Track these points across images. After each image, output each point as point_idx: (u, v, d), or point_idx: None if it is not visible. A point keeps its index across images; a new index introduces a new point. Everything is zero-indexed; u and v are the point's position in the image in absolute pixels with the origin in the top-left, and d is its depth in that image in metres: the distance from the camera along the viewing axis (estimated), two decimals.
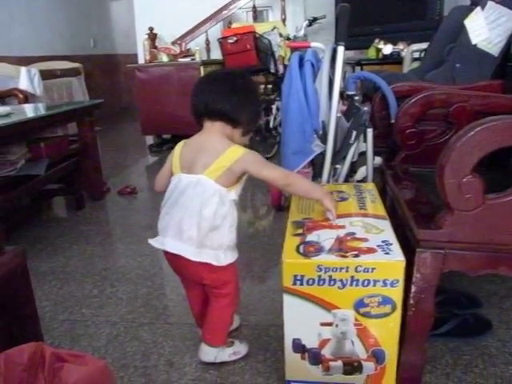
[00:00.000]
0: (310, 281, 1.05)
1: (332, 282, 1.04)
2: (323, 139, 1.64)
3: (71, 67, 4.80)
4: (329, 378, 1.13)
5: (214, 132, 1.25)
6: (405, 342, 1.14)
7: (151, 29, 4.69)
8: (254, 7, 4.90)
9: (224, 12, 4.90)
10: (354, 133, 1.63)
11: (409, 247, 1.11)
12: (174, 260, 1.29)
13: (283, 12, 4.85)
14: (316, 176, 1.70)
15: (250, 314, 1.62)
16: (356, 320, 1.07)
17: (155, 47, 4.72)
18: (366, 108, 1.63)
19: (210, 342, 1.38)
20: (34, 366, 0.88)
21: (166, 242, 1.27)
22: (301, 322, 1.10)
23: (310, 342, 1.11)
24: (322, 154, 1.66)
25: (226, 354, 1.39)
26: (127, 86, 7.50)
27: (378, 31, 3.50)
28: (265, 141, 4.00)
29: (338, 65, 1.59)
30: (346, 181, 1.71)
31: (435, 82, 1.98)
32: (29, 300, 1.13)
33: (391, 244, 1.08)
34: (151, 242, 1.32)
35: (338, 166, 1.69)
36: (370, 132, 1.65)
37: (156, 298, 1.81)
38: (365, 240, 1.10)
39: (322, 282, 1.05)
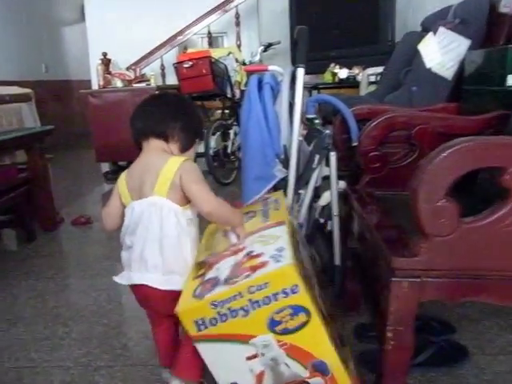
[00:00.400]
0: (213, 320, 0.98)
1: (234, 314, 0.97)
2: (285, 164, 1.59)
3: (21, 92, 4.60)
4: None
5: (151, 150, 1.21)
6: (384, 378, 1.08)
7: (105, 54, 4.59)
8: (209, 33, 4.91)
9: (179, 37, 4.88)
10: (317, 157, 1.59)
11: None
12: (141, 292, 1.20)
13: (238, 38, 4.87)
14: None
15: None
16: (278, 341, 0.99)
17: (109, 73, 4.62)
18: (327, 131, 1.60)
19: (180, 376, 1.22)
20: None
21: (132, 275, 1.18)
22: (226, 365, 1.03)
23: (247, 382, 1.03)
24: (285, 180, 1.61)
25: None
26: (81, 113, 7.30)
27: (334, 56, 3.54)
28: (223, 166, 3.95)
29: (298, 87, 1.56)
30: (311, 207, 1.66)
31: (393, 105, 1.99)
32: None
33: (283, 249, 1.01)
34: (116, 279, 1.23)
35: (301, 191, 1.64)
36: (333, 155, 1.61)
37: (113, 336, 1.68)
38: (260, 255, 1.03)
39: (224, 318, 0.97)
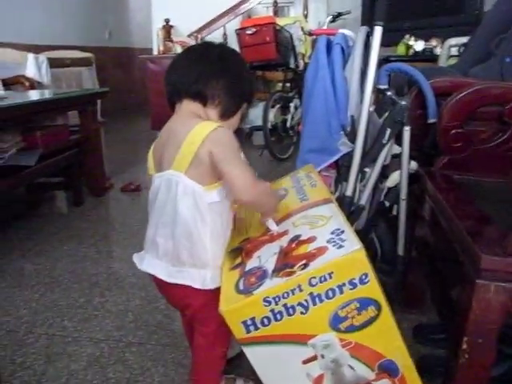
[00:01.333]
0: (265, 320, 0.80)
1: (291, 311, 0.79)
2: (351, 137, 1.39)
3: (82, 57, 4.61)
4: None
5: (181, 114, 0.99)
6: None
7: (167, 20, 4.50)
8: (276, 2, 4.68)
9: (243, 6, 4.68)
10: (389, 131, 1.37)
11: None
12: (155, 280, 1.04)
13: (305, 8, 4.61)
14: (341, 179, 1.45)
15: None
16: (341, 340, 0.82)
17: (170, 40, 4.53)
18: (404, 102, 1.38)
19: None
20: None
21: (143, 259, 1.06)
22: (279, 370, 0.85)
23: None
24: (349, 155, 1.41)
25: None
26: (141, 81, 7.32)
27: (409, 26, 3.23)
28: (281, 141, 3.77)
29: (373, 49, 1.34)
30: (376, 187, 1.46)
31: (480, 78, 1.72)
32: None
33: (343, 232, 0.83)
34: (134, 257, 1.11)
35: (366, 169, 1.43)
36: (407, 131, 1.39)
37: (149, 312, 1.57)
38: (311, 240, 0.84)
39: (279, 316, 0.80)
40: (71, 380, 1.25)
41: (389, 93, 1.53)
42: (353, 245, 0.78)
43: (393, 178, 1.47)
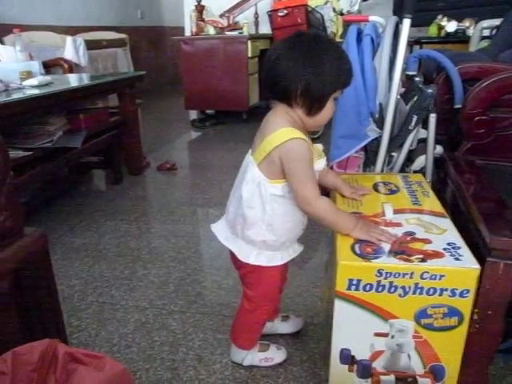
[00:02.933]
0: (368, 286, 0.91)
1: (393, 289, 0.90)
2: (379, 123, 1.47)
3: (117, 38, 4.74)
4: None
5: (275, 109, 1.07)
6: (465, 363, 0.99)
7: (199, 0, 4.54)
8: None
9: None
10: (415, 117, 1.45)
11: (474, 252, 0.95)
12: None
13: None
14: (369, 164, 1.53)
15: (287, 309, 1.49)
16: (416, 332, 0.93)
17: (202, 19, 4.58)
18: (430, 90, 1.44)
19: (234, 342, 1.28)
20: (45, 366, 0.78)
21: (219, 230, 1.21)
22: (352, 331, 0.97)
23: (361, 354, 0.98)
24: (377, 140, 1.49)
25: (255, 358, 1.28)
26: (173, 60, 7.41)
27: (441, 6, 3.21)
28: None
29: (402, 40, 1.41)
30: (402, 170, 1.54)
31: (509, 63, 1.75)
32: (49, 288, 1.04)
33: (459, 248, 0.93)
34: (212, 227, 1.25)
35: (393, 153, 1.51)
36: (433, 117, 1.46)
37: (189, 283, 1.71)
38: (427, 241, 0.95)
39: (380, 289, 0.91)
40: (121, 342, 1.40)
41: (417, 79, 1.60)
42: (472, 263, 0.89)
43: (419, 162, 1.55)
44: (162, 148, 3.79)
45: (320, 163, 1.10)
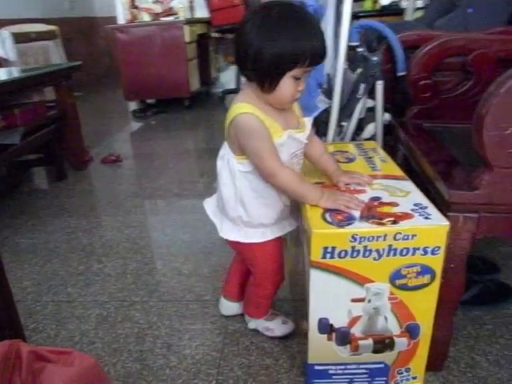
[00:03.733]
0: (343, 253, 0.90)
1: (367, 253, 0.90)
2: (328, 94, 1.47)
3: (47, 29, 4.50)
4: (356, 358, 1.01)
5: (243, 87, 1.05)
6: None
7: None
8: None
9: None
10: (363, 86, 1.46)
11: None
12: None
13: None
14: (320, 135, 1.54)
15: None
16: (391, 293, 0.94)
17: (135, 7, 4.44)
18: (376, 58, 1.46)
19: (247, 312, 1.31)
20: (7, 368, 0.72)
21: (208, 207, 1.23)
22: (329, 299, 0.96)
23: (339, 321, 0.98)
24: (327, 111, 1.50)
25: (260, 325, 1.29)
26: (107, 51, 7.16)
27: None
28: None
29: (345, 9, 1.41)
30: (353, 139, 1.55)
31: (446, 30, 1.80)
32: (2, 289, 0.97)
33: (426, 207, 0.94)
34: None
35: (343, 123, 1.52)
36: (380, 85, 1.48)
37: (147, 273, 1.66)
38: (394, 204, 0.96)
39: (355, 254, 0.90)
40: (84, 339, 1.34)
41: (360, 49, 1.61)
42: (441, 220, 0.90)
43: (368, 130, 1.57)
44: (104, 141, 3.65)
45: (298, 136, 1.05)
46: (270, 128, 0.98)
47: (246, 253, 1.18)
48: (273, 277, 1.19)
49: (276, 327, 1.28)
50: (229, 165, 1.04)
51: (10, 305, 1.01)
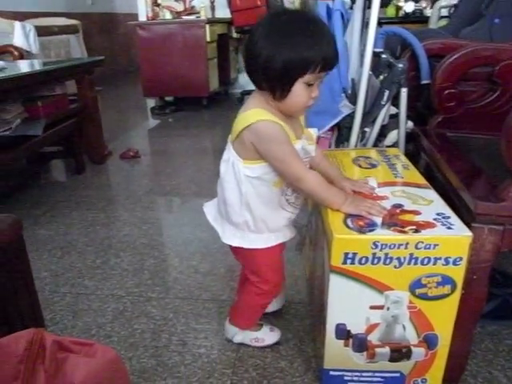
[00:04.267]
0: (363, 259, 0.91)
1: (388, 261, 0.90)
2: (352, 99, 1.47)
3: (69, 24, 4.55)
4: (372, 365, 1.01)
5: (253, 93, 1.03)
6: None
7: None
8: None
9: None
10: (387, 92, 1.46)
11: None
12: None
13: None
14: (342, 140, 1.54)
15: None
16: (410, 302, 0.94)
17: (157, 4, 4.47)
18: (401, 65, 1.46)
19: (229, 318, 1.27)
20: (32, 357, 0.74)
21: (207, 209, 1.22)
22: (348, 305, 0.96)
23: (357, 328, 0.98)
24: (350, 116, 1.50)
25: (247, 337, 1.26)
26: (126, 47, 7.22)
27: None
28: None
29: (372, 16, 1.41)
30: (375, 146, 1.55)
31: (471, 40, 1.80)
32: (25, 276, 0.99)
33: (449, 217, 0.94)
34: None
35: (366, 129, 1.52)
36: (404, 92, 1.48)
37: (164, 269, 1.67)
38: (417, 213, 0.96)
39: (376, 261, 0.91)
40: (100, 332, 1.35)
41: (384, 56, 1.61)
42: (464, 231, 0.90)
43: (391, 137, 1.57)
44: (123, 136, 3.68)
45: (309, 148, 1.05)
46: (288, 134, 0.98)
47: (248, 259, 1.15)
48: (275, 285, 1.17)
49: (265, 336, 1.26)
50: (234, 169, 1.02)
51: (33, 296, 1.03)
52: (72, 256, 1.79)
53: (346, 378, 1.04)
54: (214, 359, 1.23)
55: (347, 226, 0.93)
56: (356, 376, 1.04)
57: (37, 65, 2.58)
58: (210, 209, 1.18)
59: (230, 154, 1.03)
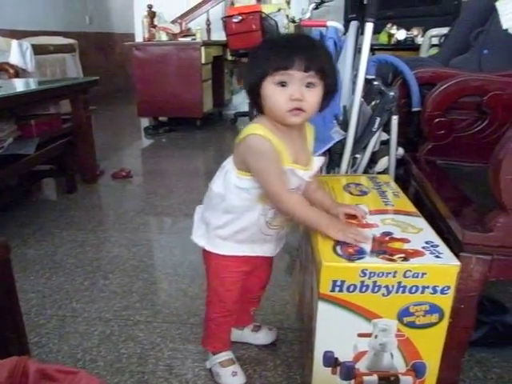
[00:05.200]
0: (352, 287, 0.91)
1: (376, 289, 0.90)
2: (343, 126, 1.49)
3: (65, 43, 4.59)
4: None
5: None
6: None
7: (150, 6, 4.48)
8: None
9: None
10: (378, 119, 1.48)
11: None
12: None
13: None
14: (333, 166, 1.55)
15: (255, 314, 1.47)
16: (398, 330, 0.94)
17: (154, 26, 4.52)
18: (392, 93, 1.48)
19: (202, 344, 1.28)
20: None
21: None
22: (336, 333, 0.96)
23: (344, 355, 0.97)
24: (341, 142, 1.51)
25: (212, 363, 1.24)
26: (123, 67, 7.27)
27: (391, 15, 3.33)
28: None
29: (365, 43, 1.44)
30: (366, 172, 1.57)
31: (461, 69, 1.83)
32: (11, 300, 0.98)
33: (437, 246, 0.94)
34: None
35: (357, 155, 1.54)
36: (395, 119, 1.50)
37: (153, 292, 1.66)
38: (406, 241, 0.96)
39: (364, 289, 0.91)
40: (86, 356, 1.33)
41: (376, 83, 1.63)
42: (452, 260, 0.90)
43: (382, 163, 1.58)
44: (116, 156, 3.69)
45: (304, 173, 1.04)
46: (280, 153, 0.97)
47: (206, 263, 1.16)
48: (221, 301, 1.16)
49: (224, 377, 1.20)
50: (226, 176, 1.04)
51: (18, 322, 1.02)
52: (60, 277, 1.77)
53: None
54: None
55: (336, 254, 0.93)
56: None
57: (31, 84, 2.59)
58: (200, 210, 1.17)
59: (227, 162, 1.05)
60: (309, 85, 0.93)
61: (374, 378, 0.99)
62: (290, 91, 0.92)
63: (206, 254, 1.13)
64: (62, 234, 2.16)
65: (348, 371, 0.98)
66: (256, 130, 0.97)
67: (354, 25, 1.50)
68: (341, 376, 0.99)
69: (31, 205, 2.59)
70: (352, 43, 1.47)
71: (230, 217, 1.05)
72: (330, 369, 0.99)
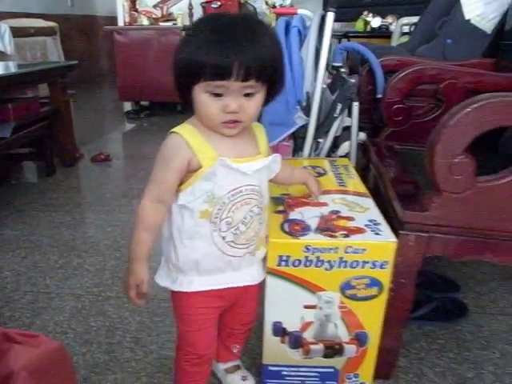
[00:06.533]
0: (296, 262, 0.98)
1: (319, 264, 0.98)
2: (306, 111, 1.55)
3: (46, 26, 4.57)
4: (308, 361, 1.08)
5: None
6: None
7: None
8: None
9: None
10: (340, 106, 1.54)
11: (392, 228, 1.05)
12: None
13: None
14: (297, 150, 1.61)
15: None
16: (341, 302, 1.01)
17: (135, 10, 4.52)
18: (353, 80, 1.54)
19: None
20: None
21: None
22: (283, 304, 1.03)
23: (292, 326, 1.05)
24: (304, 127, 1.57)
25: None
26: (106, 50, 7.23)
27: (367, 3, 3.39)
28: None
29: (326, 32, 1.49)
30: (328, 156, 1.63)
31: (425, 58, 1.90)
32: None
33: (379, 224, 1.02)
34: None
35: (320, 140, 1.60)
36: (356, 106, 1.56)
37: (125, 270, 1.72)
38: (351, 219, 1.03)
39: (308, 264, 0.98)
40: (57, 328, 1.40)
41: (342, 70, 1.69)
42: (390, 237, 0.98)
43: (343, 148, 1.64)
44: (96, 140, 3.71)
45: (248, 165, 0.87)
46: (198, 154, 0.84)
47: (172, 303, 1.01)
48: (190, 345, 1.00)
49: None
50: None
51: None
52: (35, 256, 1.83)
53: (283, 372, 1.11)
54: (164, 355, 1.28)
55: (283, 230, 1.00)
56: (293, 371, 1.11)
57: (10, 67, 2.61)
58: None
59: None
60: (248, 94, 0.79)
61: (320, 346, 1.07)
62: (226, 102, 0.79)
63: (171, 292, 0.98)
64: (40, 215, 2.21)
65: (296, 340, 1.06)
66: (179, 129, 0.86)
67: (317, 14, 1.56)
68: (289, 345, 1.07)
69: (9, 187, 2.63)
70: (315, 33, 1.52)
71: (182, 243, 0.89)
72: (279, 338, 1.07)
